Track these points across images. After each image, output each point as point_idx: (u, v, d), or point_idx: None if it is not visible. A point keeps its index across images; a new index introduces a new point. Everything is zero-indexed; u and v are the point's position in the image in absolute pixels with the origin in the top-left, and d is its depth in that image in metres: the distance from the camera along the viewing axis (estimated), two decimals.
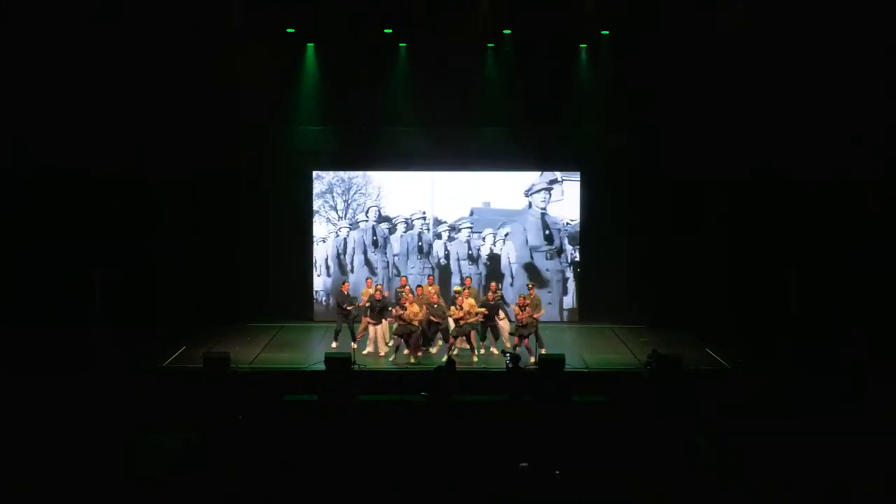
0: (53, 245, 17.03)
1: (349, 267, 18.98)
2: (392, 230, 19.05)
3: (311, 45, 18.25)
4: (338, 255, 19.06)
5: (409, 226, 19.08)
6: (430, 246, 19.08)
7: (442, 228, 19.14)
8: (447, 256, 19.14)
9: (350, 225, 19.04)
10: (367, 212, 19.09)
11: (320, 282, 19.02)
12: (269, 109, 18.29)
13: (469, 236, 19.14)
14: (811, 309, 16.34)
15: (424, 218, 19.06)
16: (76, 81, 16.71)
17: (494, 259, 19.07)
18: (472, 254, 19.12)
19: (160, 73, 17.09)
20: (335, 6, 17.50)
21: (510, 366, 13.71)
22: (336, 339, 16.33)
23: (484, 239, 19.12)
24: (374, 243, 19.02)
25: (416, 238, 19.06)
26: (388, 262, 19.08)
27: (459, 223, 19.11)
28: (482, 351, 16.09)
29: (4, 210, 16.93)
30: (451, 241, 19.10)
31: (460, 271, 18.96)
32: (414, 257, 19.07)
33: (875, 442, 11.45)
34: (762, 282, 17.45)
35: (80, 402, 13.09)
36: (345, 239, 19.05)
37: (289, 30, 17.86)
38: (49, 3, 16.38)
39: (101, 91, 16.88)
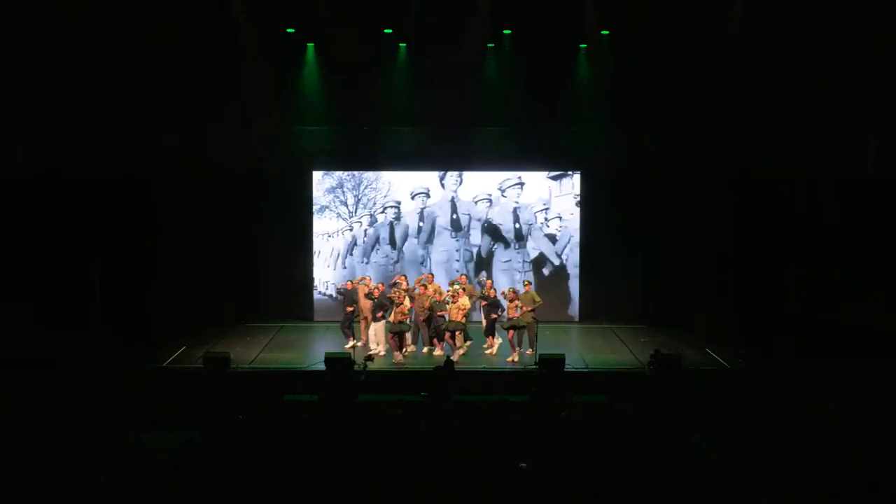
0: (53, 245, 17.06)
1: (395, 256, 18.12)
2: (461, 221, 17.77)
3: (311, 45, 18.25)
4: (376, 243, 18.32)
5: (491, 203, 17.66)
6: (529, 233, 17.90)
7: (538, 208, 17.61)
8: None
9: (393, 204, 17.98)
10: (443, 178, 17.61)
11: (334, 274, 18.76)
12: (269, 109, 18.29)
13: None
14: (811, 308, 16.34)
15: (521, 184, 17.46)
16: (76, 81, 16.75)
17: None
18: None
19: (161, 74, 17.09)
20: (335, 6, 17.50)
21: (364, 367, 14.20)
22: (352, 338, 16.23)
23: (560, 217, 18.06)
24: (455, 225, 17.65)
25: (510, 218, 17.48)
26: (471, 252, 17.83)
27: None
28: (491, 350, 16.06)
29: (4, 210, 16.96)
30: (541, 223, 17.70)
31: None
32: (513, 244, 17.96)
33: (875, 441, 11.45)
34: (762, 281, 17.46)
35: (79, 401, 13.09)
36: (392, 223, 18.20)
37: (289, 30, 17.87)
38: (49, 3, 16.40)
39: (102, 91, 16.91)
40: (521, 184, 18.10)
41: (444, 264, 18.00)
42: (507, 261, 18.20)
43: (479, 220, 18.27)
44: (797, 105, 17.05)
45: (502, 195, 18.32)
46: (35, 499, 9.73)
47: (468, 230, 18.19)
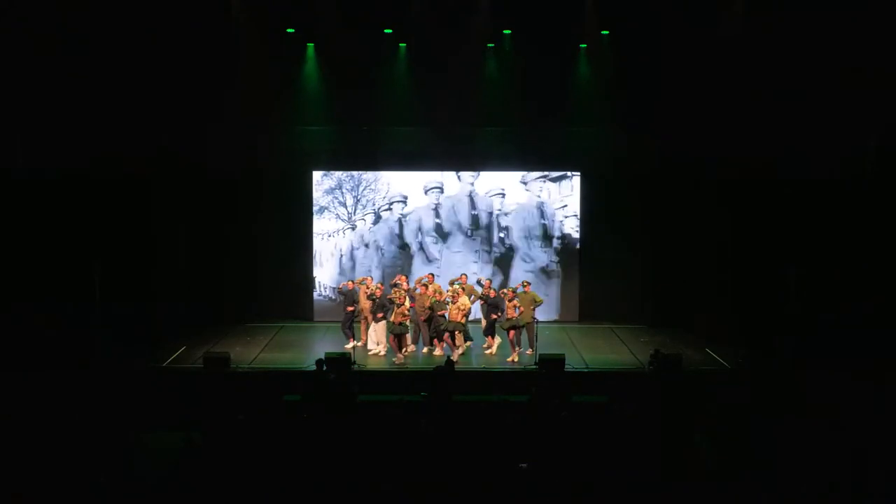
0: (53, 245, 17.04)
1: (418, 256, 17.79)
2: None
3: (311, 45, 18.25)
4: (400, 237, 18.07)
5: (504, 198, 17.21)
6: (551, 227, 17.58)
7: (557, 205, 17.08)
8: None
9: (400, 199, 17.69)
10: (458, 172, 17.03)
11: (337, 278, 18.68)
12: (269, 109, 18.28)
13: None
14: (811, 308, 16.34)
15: (545, 177, 17.11)
16: (76, 80, 16.73)
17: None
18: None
19: (161, 74, 17.09)
20: (335, 6, 17.51)
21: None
22: (352, 339, 16.25)
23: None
24: (474, 222, 17.21)
25: (534, 213, 17.31)
26: (488, 252, 17.54)
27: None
28: (491, 350, 16.05)
29: (4, 210, 16.95)
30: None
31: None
32: (536, 242, 17.79)
33: (875, 441, 11.45)
34: (762, 281, 17.45)
35: (79, 401, 13.09)
36: (400, 219, 17.79)
37: (289, 30, 17.87)
38: (49, 3, 16.40)
39: (102, 91, 16.89)
40: (545, 176, 17.93)
41: (461, 266, 17.78)
42: (530, 261, 18.09)
43: (498, 215, 18.02)
44: (797, 105, 17.03)
45: (525, 188, 18.14)
46: (35, 499, 9.73)
47: (486, 228, 18.10)
